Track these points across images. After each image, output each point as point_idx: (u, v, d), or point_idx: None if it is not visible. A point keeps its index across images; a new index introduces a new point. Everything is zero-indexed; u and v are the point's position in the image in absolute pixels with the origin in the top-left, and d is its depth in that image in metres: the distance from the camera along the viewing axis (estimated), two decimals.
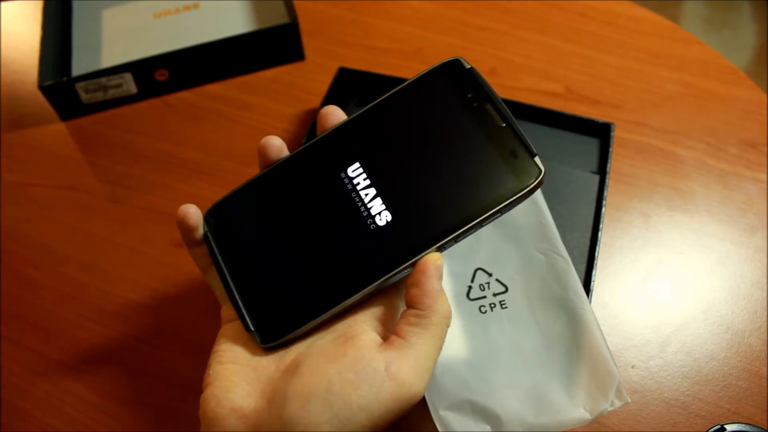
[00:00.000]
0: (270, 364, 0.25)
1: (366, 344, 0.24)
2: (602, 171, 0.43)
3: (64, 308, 0.42)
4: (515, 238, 0.35)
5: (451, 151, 0.26)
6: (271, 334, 0.26)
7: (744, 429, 0.34)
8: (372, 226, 0.26)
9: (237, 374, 0.25)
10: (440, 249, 0.25)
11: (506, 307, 0.33)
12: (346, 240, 0.26)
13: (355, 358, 0.23)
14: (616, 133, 0.47)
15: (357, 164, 0.27)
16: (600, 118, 0.46)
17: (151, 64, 0.50)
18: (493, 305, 0.33)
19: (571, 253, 0.35)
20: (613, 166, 0.46)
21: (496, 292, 0.34)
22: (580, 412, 0.30)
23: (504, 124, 0.25)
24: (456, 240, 0.25)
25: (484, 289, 0.34)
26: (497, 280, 0.34)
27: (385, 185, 0.26)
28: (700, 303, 0.40)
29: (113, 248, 0.44)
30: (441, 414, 0.30)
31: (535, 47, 0.55)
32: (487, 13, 0.57)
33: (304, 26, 0.54)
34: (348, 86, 0.49)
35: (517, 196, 0.25)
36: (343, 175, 0.27)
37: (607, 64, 0.53)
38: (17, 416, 0.37)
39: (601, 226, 0.40)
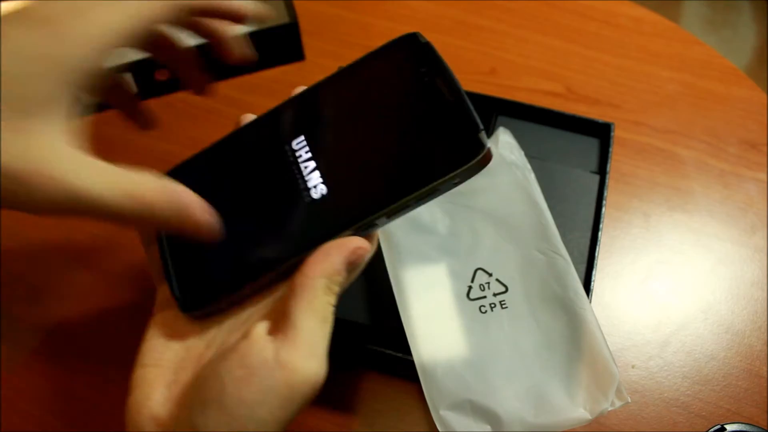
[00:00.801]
0: (189, 365, 0.24)
1: (256, 335, 0.23)
2: (602, 171, 0.43)
3: (65, 308, 0.42)
4: (515, 238, 0.35)
5: (393, 125, 0.25)
6: (193, 302, 0.25)
7: (744, 429, 0.34)
8: (307, 199, 0.25)
9: (158, 378, 0.24)
10: (372, 224, 0.24)
11: (506, 307, 0.33)
12: (280, 211, 0.25)
13: (244, 352, 0.22)
14: (616, 133, 0.47)
15: (302, 137, 0.26)
16: (600, 118, 0.46)
17: (151, 64, 0.50)
18: (493, 305, 0.33)
19: (571, 253, 0.35)
20: (613, 166, 0.46)
21: (496, 292, 0.34)
22: (580, 411, 0.30)
23: (452, 99, 0.24)
24: (389, 216, 0.24)
25: (484, 289, 0.34)
26: (497, 280, 0.34)
27: (325, 159, 0.25)
28: (700, 303, 0.40)
29: (114, 248, 0.44)
30: (441, 414, 0.30)
31: (535, 47, 0.55)
32: (487, 13, 0.58)
33: (304, 26, 0.54)
34: None
35: (455, 173, 0.23)
36: (287, 147, 0.26)
37: (607, 64, 0.53)
38: (17, 416, 0.37)
39: (601, 226, 0.40)
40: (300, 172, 0.26)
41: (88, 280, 0.43)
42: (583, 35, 0.56)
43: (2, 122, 0.20)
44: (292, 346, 0.22)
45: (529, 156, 0.40)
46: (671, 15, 1.41)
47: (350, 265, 0.24)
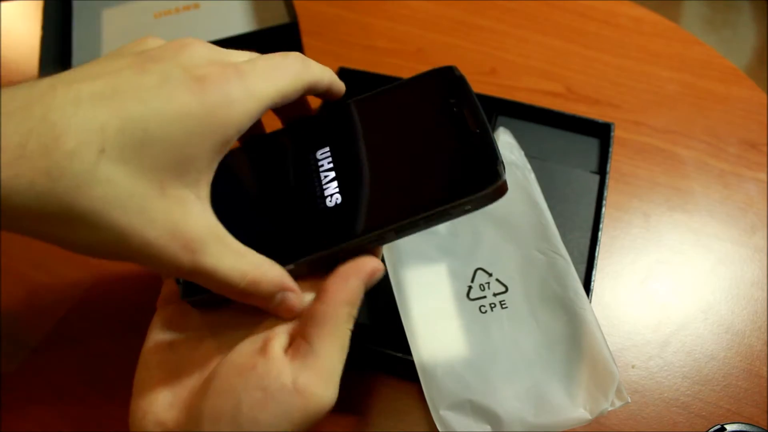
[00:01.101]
0: (196, 368, 0.24)
1: (274, 354, 0.22)
2: (602, 171, 0.43)
3: (66, 309, 0.42)
4: (515, 238, 0.35)
5: (415, 148, 0.26)
6: (192, 289, 0.25)
7: (744, 429, 0.34)
8: (320, 207, 0.25)
9: (162, 382, 0.24)
10: (379, 239, 0.25)
11: (506, 307, 0.33)
12: (292, 215, 0.26)
13: (263, 373, 0.22)
14: (616, 133, 0.47)
15: (327, 148, 0.27)
16: (600, 118, 0.46)
17: None
18: (493, 305, 0.33)
19: (571, 253, 0.35)
20: (613, 166, 0.46)
21: (496, 292, 0.34)
22: (580, 411, 0.30)
23: (477, 130, 0.25)
24: (397, 233, 0.25)
25: (484, 289, 0.34)
26: (497, 280, 0.34)
27: (345, 171, 0.26)
28: (700, 303, 0.40)
29: None
30: (441, 414, 0.30)
31: (535, 47, 0.55)
32: (487, 13, 0.58)
33: (304, 26, 0.54)
34: (348, 86, 0.49)
35: (467, 199, 0.24)
36: (312, 155, 0.27)
37: (607, 64, 0.53)
38: (17, 416, 0.37)
39: (601, 226, 0.40)
40: (320, 180, 0.26)
41: (88, 280, 0.43)
42: (583, 35, 0.56)
43: (157, 188, 0.20)
44: (311, 372, 0.22)
45: (529, 156, 0.40)
46: (671, 15, 1.41)
47: (367, 288, 0.24)
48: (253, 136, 0.29)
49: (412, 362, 0.31)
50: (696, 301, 0.40)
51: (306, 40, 0.54)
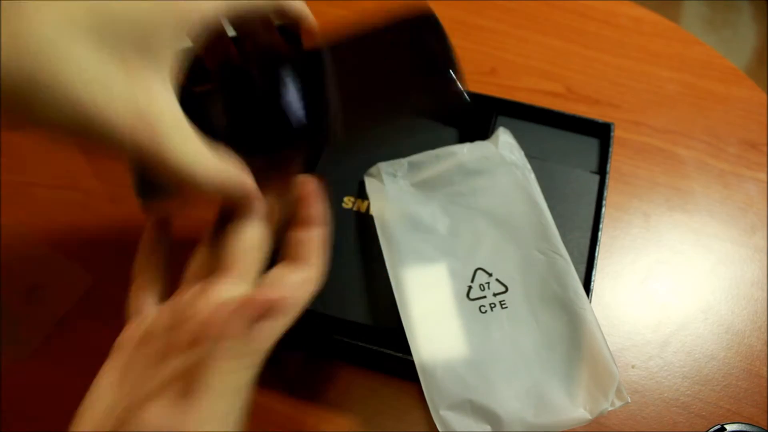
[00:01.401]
0: (109, 422, 0.24)
1: (159, 400, 0.22)
2: (602, 171, 0.43)
3: (65, 309, 0.42)
4: (515, 238, 0.35)
5: (380, 72, 0.28)
6: (150, 189, 0.27)
7: (744, 429, 0.34)
8: (284, 125, 0.27)
9: (99, 414, 0.25)
10: (329, 136, 0.27)
11: (506, 307, 0.33)
12: (260, 130, 0.28)
13: (141, 422, 0.22)
14: (616, 133, 0.47)
15: (295, 75, 0.29)
16: (600, 118, 0.46)
17: None
18: (493, 305, 0.33)
19: (571, 253, 0.35)
20: (613, 166, 0.46)
21: (496, 291, 0.34)
22: (580, 411, 0.30)
23: (440, 51, 0.28)
24: (347, 131, 0.27)
25: (484, 289, 0.34)
26: (497, 280, 0.34)
27: (311, 91, 0.28)
28: (700, 303, 0.40)
29: (114, 249, 0.44)
30: (441, 414, 0.30)
31: (535, 47, 0.55)
32: (487, 13, 0.58)
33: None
34: None
35: (411, 94, 0.26)
36: (279, 80, 0.29)
37: (607, 64, 0.53)
38: (17, 416, 0.37)
39: (601, 225, 0.40)
40: (289, 105, 0.28)
41: (88, 280, 0.43)
42: (583, 35, 0.56)
43: (121, 68, 0.20)
44: (190, 419, 0.22)
45: (529, 156, 0.40)
46: (671, 15, 1.41)
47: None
48: (225, 64, 0.30)
49: (412, 362, 0.31)
50: (696, 301, 0.40)
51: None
